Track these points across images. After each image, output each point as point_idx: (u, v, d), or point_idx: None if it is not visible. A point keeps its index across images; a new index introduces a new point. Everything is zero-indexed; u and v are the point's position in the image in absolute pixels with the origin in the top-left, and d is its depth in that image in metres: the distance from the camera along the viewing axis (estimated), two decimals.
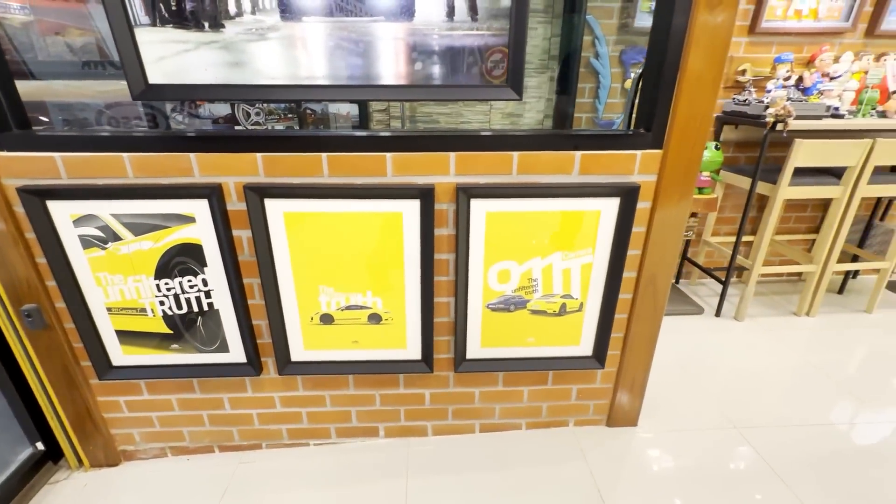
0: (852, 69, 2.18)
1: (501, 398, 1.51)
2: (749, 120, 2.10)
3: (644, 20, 2.11)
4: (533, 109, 2.28)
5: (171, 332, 1.30)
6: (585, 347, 1.41)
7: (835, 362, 1.99)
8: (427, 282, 1.25)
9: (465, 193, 1.15)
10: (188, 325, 1.29)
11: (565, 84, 2.15)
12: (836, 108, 2.18)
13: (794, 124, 1.95)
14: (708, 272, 2.53)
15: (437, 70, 1.08)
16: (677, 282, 2.74)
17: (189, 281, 1.23)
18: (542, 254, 1.26)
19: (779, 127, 1.96)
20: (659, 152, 1.19)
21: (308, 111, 2.10)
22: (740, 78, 2.24)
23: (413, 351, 1.38)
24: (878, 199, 2.55)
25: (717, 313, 2.38)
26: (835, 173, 2.15)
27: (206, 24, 0.99)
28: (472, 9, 1.03)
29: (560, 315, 1.35)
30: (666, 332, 2.24)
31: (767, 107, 2.01)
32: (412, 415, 1.52)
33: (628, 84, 2.24)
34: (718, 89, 1.14)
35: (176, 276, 1.22)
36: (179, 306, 1.26)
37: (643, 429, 1.59)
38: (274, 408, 1.46)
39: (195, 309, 1.26)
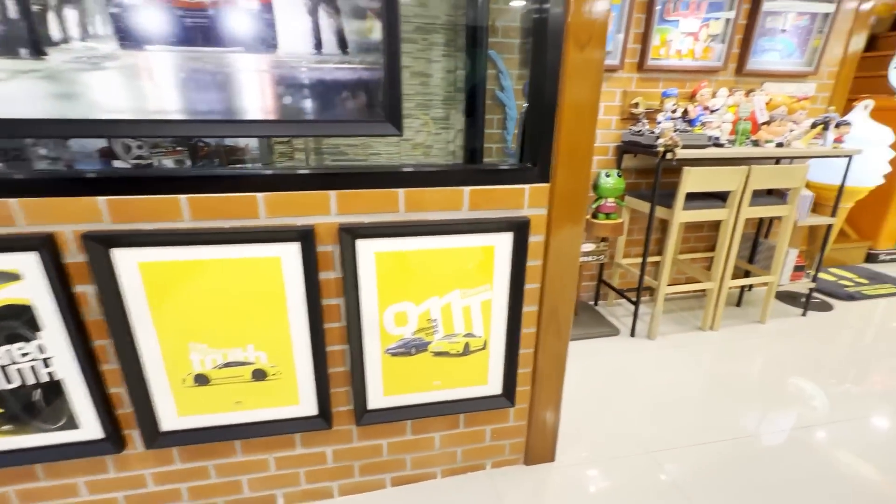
0: (727, 103, 2.41)
1: (412, 447, 1.41)
2: (644, 149, 2.24)
3: None
4: (442, 140, 2.27)
5: (1, 410, 1.07)
6: (494, 386, 1.36)
7: (738, 374, 2.11)
8: (316, 330, 1.14)
9: (349, 234, 1.07)
10: (23, 401, 1.07)
11: (473, 116, 2.17)
12: (717, 138, 2.39)
13: (681, 153, 2.10)
14: (621, 293, 2.62)
15: (307, 104, 1.01)
16: (595, 304, 2.82)
17: (20, 349, 1.02)
18: (440, 292, 1.20)
19: (668, 156, 2.09)
20: (546, 186, 1.19)
21: (200, 143, 1.94)
22: (634, 110, 2.39)
23: (307, 406, 1.24)
24: (761, 219, 2.81)
25: (632, 333, 2.46)
26: (721, 197, 2.33)
27: (25, 51, 0.85)
28: (342, 42, 0.98)
29: (464, 355, 1.29)
30: (584, 356, 2.26)
31: (658, 137, 2.15)
32: (314, 476, 1.37)
33: None
34: (595, 123, 1.17)
35: (1, 345, 1.01)
36: (9, 380, 1.04)
37: (561, 463, 1.55)
38: (145, 487, 1.25)
39: (31, 381, 1.06)
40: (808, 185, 2.81)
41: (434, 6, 2.07)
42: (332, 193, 1.05)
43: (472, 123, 2.20)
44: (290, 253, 1.06)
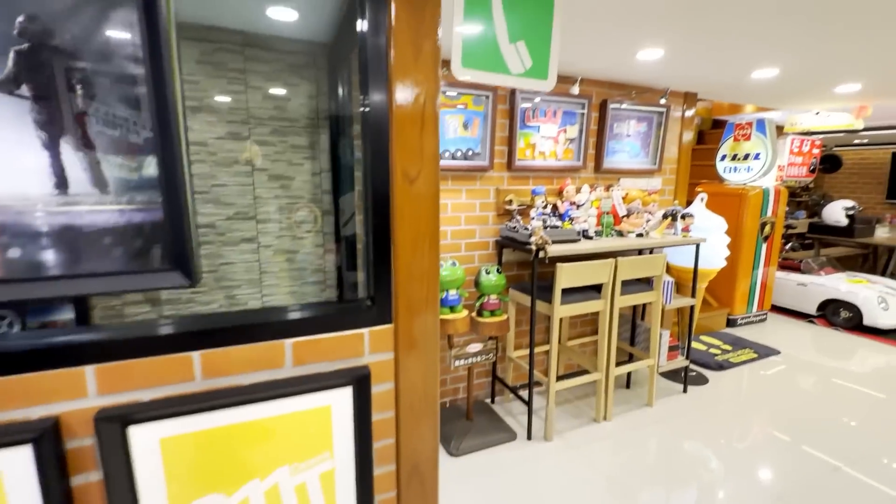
0: (590, 198, 2.59)
1: None
2: (519, 245, 2.25)
3: None
4: (312, 243, 2.09)
5: None
6: None
7: (634, 469, 2.04)
8: None
9: (115, 421, 0.79)
10: None
11: (341, 225, 2.03)
12: (586, 231, 2.51)
13: (553, 250, 2.14)
14: (514, 391, 2.51)
15: (50, 257, 0.76)
16: (492, 401, 2.67)
17: None
18: (262, 473, 0.93)
19: (541, 254, 2.12)
20: (390, 327, 1.03)
21: None
22: (508, 207, 2.45)
23: None
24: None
25: (529, 435, 2.31)
26: (596, 288, 2.40)
27: None
28: (99, 180, 0.76)
29: None
30: (480, 472, 2.05)
31: (531, 235, 2.19)
32: None
33: None
34: (437, 253, 1.06)
35: None
36: None
37: None
38: None
39: None
40: (670, 269, 3.07)
41: (293, 109, 1.97)
42: (89, 369, 0.78)
43: (338, 234, 2.05)
44: (19, 461, 0.74)
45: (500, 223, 2.50)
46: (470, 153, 2.31)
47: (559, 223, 2.37)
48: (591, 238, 2.47)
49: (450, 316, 2.19)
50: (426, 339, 1.08)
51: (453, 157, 2.27)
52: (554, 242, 2.27)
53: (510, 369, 2.63)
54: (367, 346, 1.01)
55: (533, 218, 2.39)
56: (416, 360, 1.07)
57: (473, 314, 2.34)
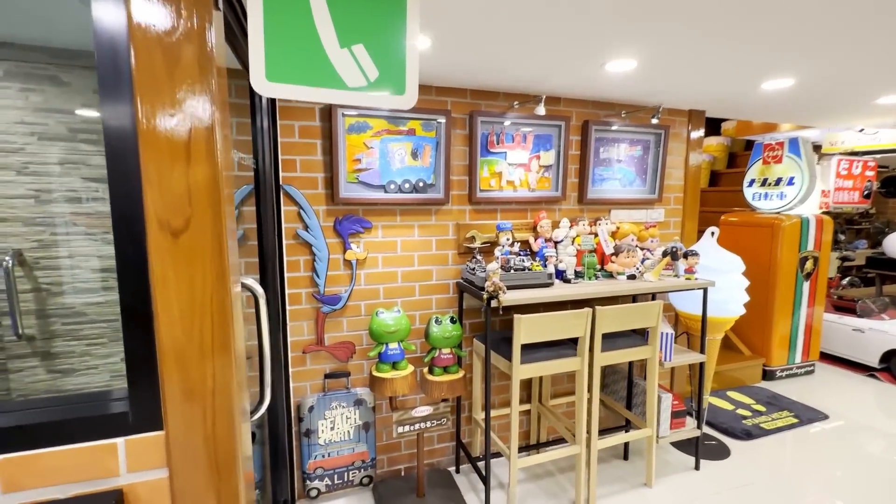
0: (571, 234, 2.22)
1: None
2: (476, 290, 1.92)
3: (351, 190, 1.93)
4: None
5: None
6: None
7: None
8: None
9: None
10: None
11: (266, 261, 1.79)
12: (563, 273, 2.14)
13: (512, 297, 1.79)
14: (474, 463, 2.12)
15: None
16: (457, 470, 2.28)
17: None
18: None
19: (493, 303, 1.77)
20: (160, 434, 0.74)
21: None
22: (469, 245, 2.13)
23: None
24: None
25: None
26: (574, 340, 2.01)
27: None
28: None
29: None
30: None
31: (486, 279, 1.85)
32: None
33: (350, 255, 1.97)
34: (227, 326, 0.77)
35: None
36: None
37: None
38: None
39: None
40: (677, 315, 2.60)
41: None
42: None
43: (265, 267, 1.80)
44: None
45: (462, 262, 2.18)
46: (421, 185, 2.03)
47: (528, 264, 2.02)
48: (568, 281, 2.09)
49: (389, 374, 1.87)
50: (221, 448, 0.78)
51: (400, 190, 2.00)
52: (514, 287, 1.92)
53: (477, 433, 2.25)
54: (123, 461, 0.73)
55: (497, 256, 2.06)
56: (205, 480, 0.76)
57: (424, 370, 2.00)
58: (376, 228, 2.02)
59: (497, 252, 2.08)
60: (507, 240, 2.08)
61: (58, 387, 1.69)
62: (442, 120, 2.00)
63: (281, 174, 1.86)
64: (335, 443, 2.01)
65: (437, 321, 1.94)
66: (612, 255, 2.20)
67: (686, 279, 2.16)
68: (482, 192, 2.14)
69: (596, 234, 2.24)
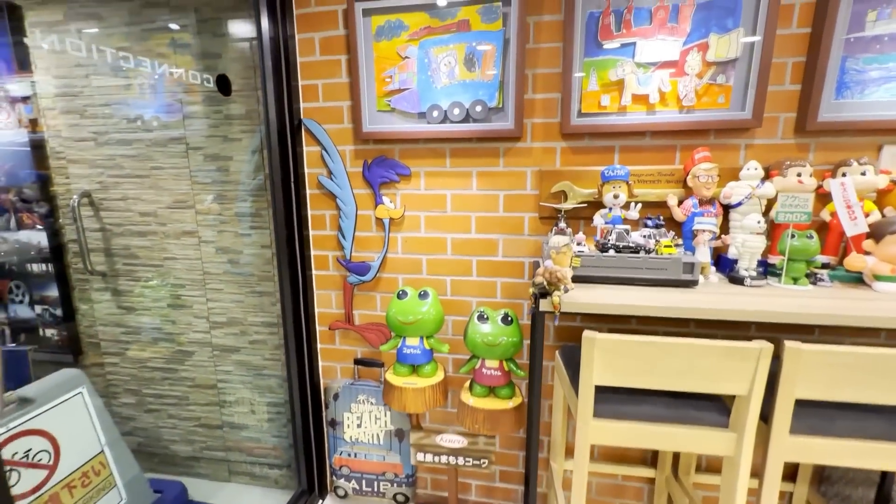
0: (764, 191, 1.15)
1: None
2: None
3: (381, 122, 1.39)
4: (256, 244, 1.61)
5: None
6: None
7: None
8: None
9: None
10: None
11: (288, 217, 1.46)
12: (734, 264, 1.14)
13: (603, 299, 0.98)
14: None
15: None
16: None
17: None
18: None
19: (544, 306, 1.00)
20: None
21: None
22: (557, 205, 1.33)
23: None
24: None
25: None
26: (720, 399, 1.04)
27: None
28: None
29: None
30: None
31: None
32: None
33: (381, 212, 1.47)
34: None
35: None
36: None
37: None
38: None
39: None
40: None
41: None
42: None
43: (288, 225, 1.49)
44: None
45: (547, 231, 1.41)
46: (479, 110, 1.33)
47: (648, 241, 1.12)
48: (742, 281, 1.09)
49: (400, 380, 1.33)
50: None
51: (447, 119, 1.35)
52: (611, 282, 1.08)
53: (556, 484, 1.50)
54: None
55: (596, 225, 1.21)
56: None
57: (464, 386, 1.39)
58: (417, 176, 1.45)
59: (597, 218, 1.24)
60: (616, 197, 1.20)
61: None
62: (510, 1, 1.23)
63: (302, 105, 1.47)
64: (362, 443, 1.62)
65: (481, 317, 1.28)
66: (867, 237, 1.05)
67: None
68: (584, 118, 1.28)
69: (827, 194, 1.11)
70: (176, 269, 1.68)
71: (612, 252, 1.12)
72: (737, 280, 1.12)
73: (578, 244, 1.17)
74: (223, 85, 1.50)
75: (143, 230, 1.66)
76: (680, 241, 1.18)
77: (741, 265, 1.13)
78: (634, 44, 1.22)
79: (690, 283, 1.07)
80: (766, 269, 1.15)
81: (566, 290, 0.99)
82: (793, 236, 1.07)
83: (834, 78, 1.16)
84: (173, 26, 1.47)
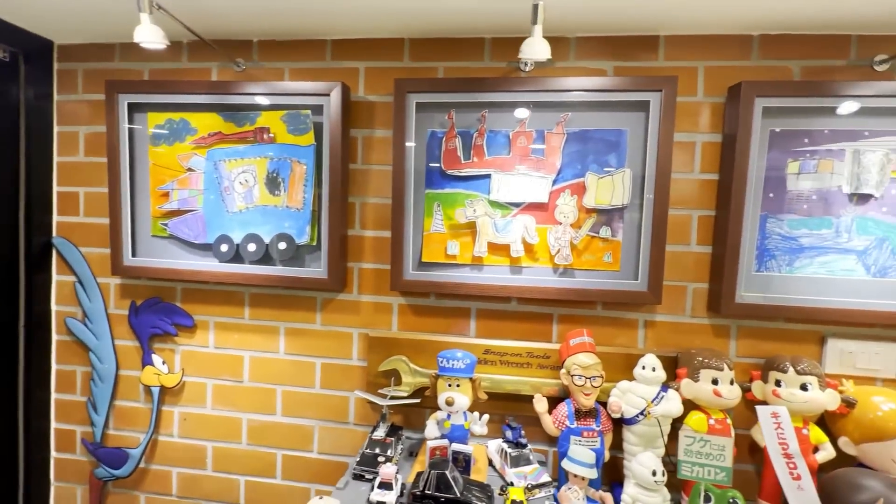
0: (667, 406, 0.77)
1: None
2: None
3: (153, 251, 0.98)
4: None
5: None
6: None
7: None
8: None
9: None
10: None
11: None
12: None
13: None
14: None
15: None
16: None
17: None
18: None
19: None
20: None
21: None
22: (383, 391, 0.90)
23: None
24: None
25: None
26: None
27: None
28: None
29: None
30: None
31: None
32: None
33: (147, 376, 1.01)
34: None
35: None
36: None
37: None
38: None
39: None
40: None
41: None
42: None
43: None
44: None
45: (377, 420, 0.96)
46: (284, 248, 0.94)
47: (486, 490, 0.69)
48: None
49: None
50: None
51: (239, 255, 0.96)
52: None
53: None
54: None
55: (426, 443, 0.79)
56: None
57: None
58: (204, 328, 1.01)
59: (430, 427, 0.81)
60: (450, 403, 0.79)
61: None
62: (332, 98, 0.89)
63: (55, 218, 1.05)
64: None
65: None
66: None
67: None
68: (425, 270, 0.91)
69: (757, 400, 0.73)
70: None
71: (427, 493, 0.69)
72: None
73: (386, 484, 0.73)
74: None
75: None
76: (549, 479, 0.76)
77: None
78: (489, 176, 0.89)
79: None
80: None
81: None
82: (707, 500, 0.67)
83: (753, 241, 0.84)
84: None
